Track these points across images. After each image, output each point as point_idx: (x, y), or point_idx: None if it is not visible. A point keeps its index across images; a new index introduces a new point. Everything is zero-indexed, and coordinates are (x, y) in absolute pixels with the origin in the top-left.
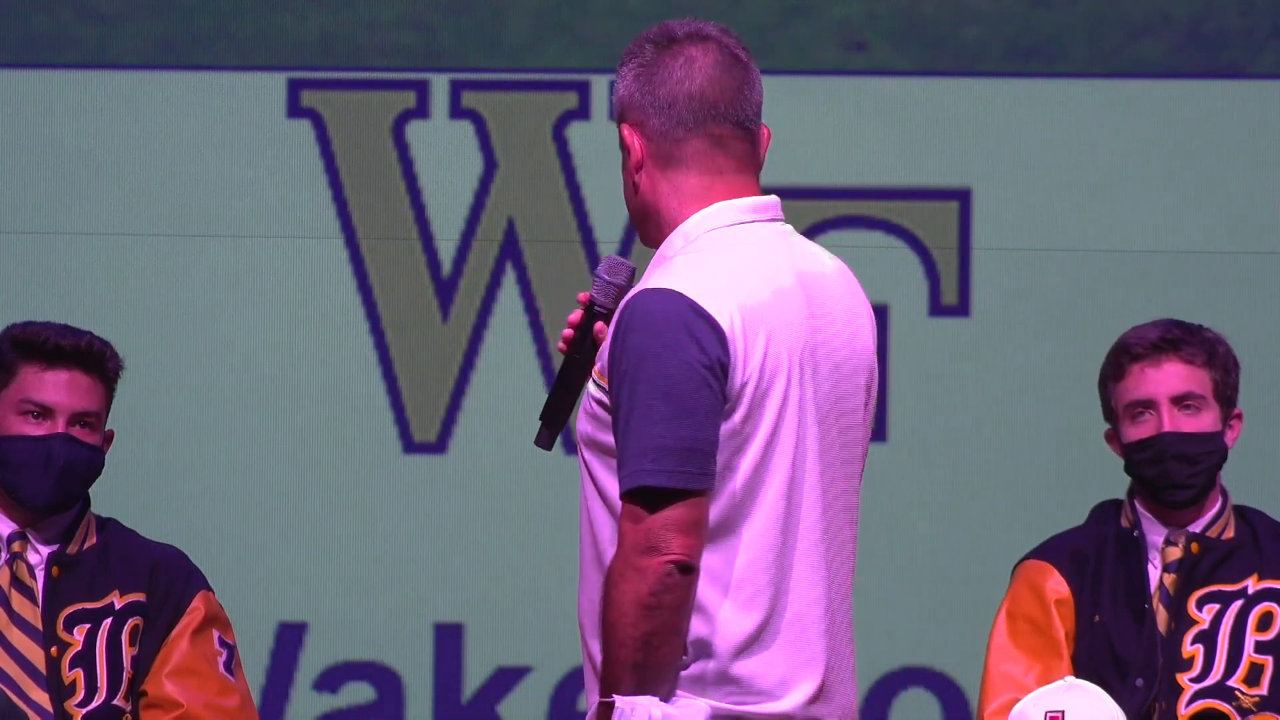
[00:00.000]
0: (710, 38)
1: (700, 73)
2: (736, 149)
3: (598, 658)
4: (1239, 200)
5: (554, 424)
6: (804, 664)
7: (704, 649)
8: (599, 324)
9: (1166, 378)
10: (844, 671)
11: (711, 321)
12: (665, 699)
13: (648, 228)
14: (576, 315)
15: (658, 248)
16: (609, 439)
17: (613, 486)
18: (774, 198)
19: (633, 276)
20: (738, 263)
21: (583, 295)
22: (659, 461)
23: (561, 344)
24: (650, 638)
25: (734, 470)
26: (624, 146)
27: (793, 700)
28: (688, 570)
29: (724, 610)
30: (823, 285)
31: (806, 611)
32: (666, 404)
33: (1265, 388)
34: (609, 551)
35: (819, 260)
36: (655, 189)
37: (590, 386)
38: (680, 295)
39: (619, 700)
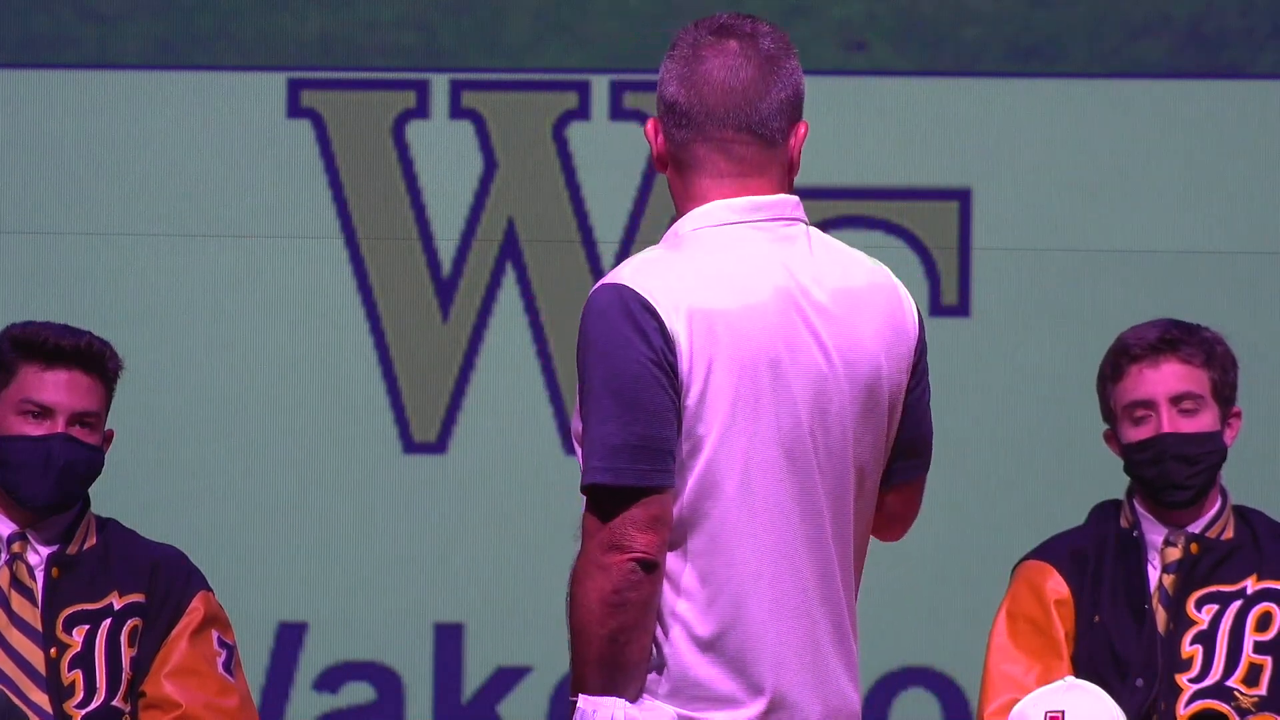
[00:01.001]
0: (735, 35)
1: (706, 77)
2: (741, 153)
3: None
4: (1239, 200)
5: None
6: (761, 675)
7: (660, 652)
8: None
9: (1165, 378)
10: (823, 683)
11: (656, 316)
12: (633, 699)
13: None
14: None
15: None
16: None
17: None
18: (784, 197)
19: None
20: (709, 264)
21: None
22: (608, 459)
23: None
24: (616, 635)
25: (689, 470)
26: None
27: (751, 710)
28: (651, 567)
29: (680, 613)
30: (836, 296)
31: (770, 621)
32: (614, 401)
33: (1265, 388)
34: None
35: (842, 270)
36: (673, 188)
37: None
38: (626, 288)
39: (583, 700)
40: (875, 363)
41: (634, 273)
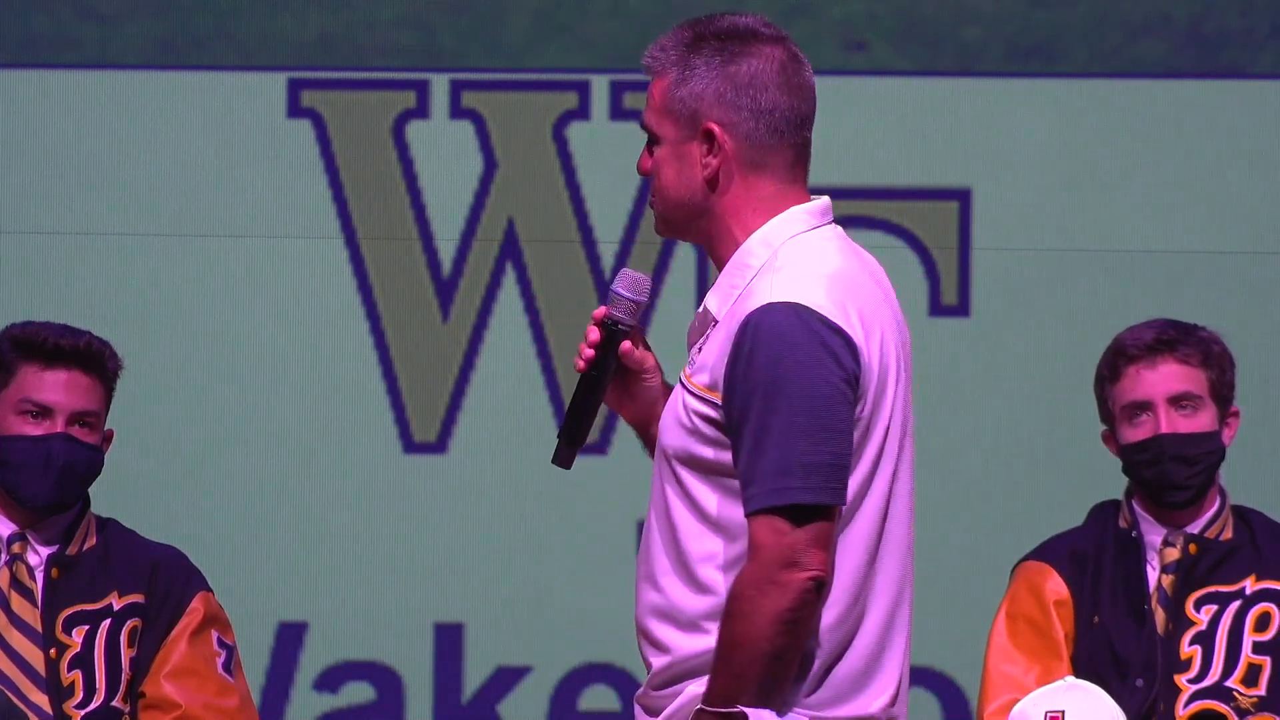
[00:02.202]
0: (780, 38)
1: (792, 79)
2: (808, 156)
3: (674, 656)
4: (1239, 200)
5: (575, 442)
6: (890, 674)
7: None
8: (626, 343)
9: (1163, 378)
10: (907, 678)
11: (845, 336)
12: (780, 713)
13: (694, 224)
14: (596, 334)
15: (694, 242)
16: (711, 454)
17: (711, 501)
18: (828, 199)
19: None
20: (838, 270)
21: (599, 312)
22: (808, 478)
23: (582, 363)
24: (783, 653)
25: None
26: (697, 140)
27: (875, 704)
28: (823, 586)
29: (819, 621)
30: (886, 283)
31: (888, 621)
32: (810, 421)
33: (1265, 388)
34: (698, 565)
35: (873, 258)
36: (728, 189)
37: (691, 401)
38: (811, 309)
39: (751, 713)
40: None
41: (802, 289)
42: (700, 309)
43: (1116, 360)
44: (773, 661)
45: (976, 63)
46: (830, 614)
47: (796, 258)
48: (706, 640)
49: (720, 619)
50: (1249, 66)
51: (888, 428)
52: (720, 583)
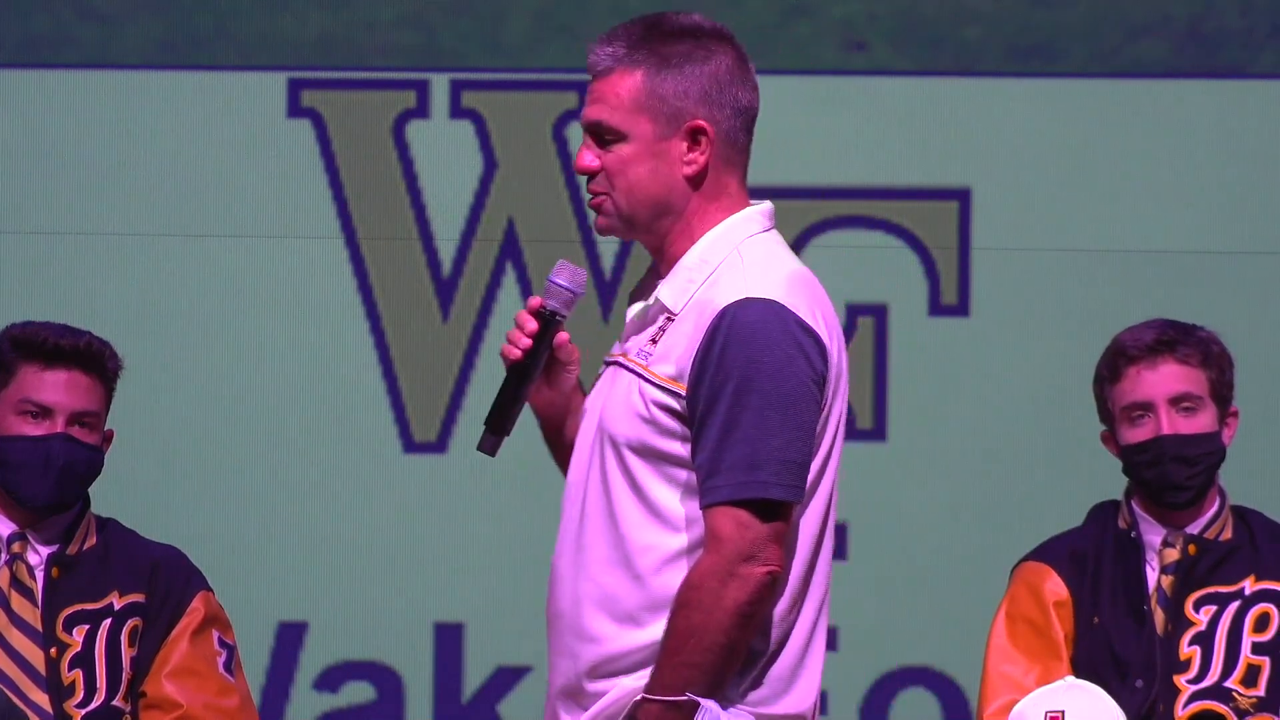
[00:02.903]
0: (732, 35)
1: (751, 76)
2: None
3: (608, 649)
4: (1239, 200)
5: (502, 430)
6: (815, 670)
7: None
8: (563, 334)
9: (1163, 379)
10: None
11: (816, 337)
12: (723, 707)
13: (657, 222)
14: (534, 324)
15: (645, 240)
16: (669, 446)
17: (659, 492)
18: (771, 204)
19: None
20: (800, 272)
21: (535, 302)
22: (780, 474)
23: (518, 352)
24: (737, 645)
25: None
26: (678, 137)
27: (806, 701)
28: (777, 582)
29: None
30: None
31: (816, 618)
32: (782, 417)
33: (1265, 388)
34: (639, 556)
35: None
36: (704, 187)
37: (651, 390)
38: (785, 308)
39: (704, 702)
40: None
41: (774, 288)
42: (645, 301)
43: (1116, 361)
44: (726, 653)
45: (976, 63)
46: (777, 610)
47: (759, 257)
48: (641, 634)
49: (672, 609)
50: (1249, 66)
51: (836, 429)
52: (657, 574)
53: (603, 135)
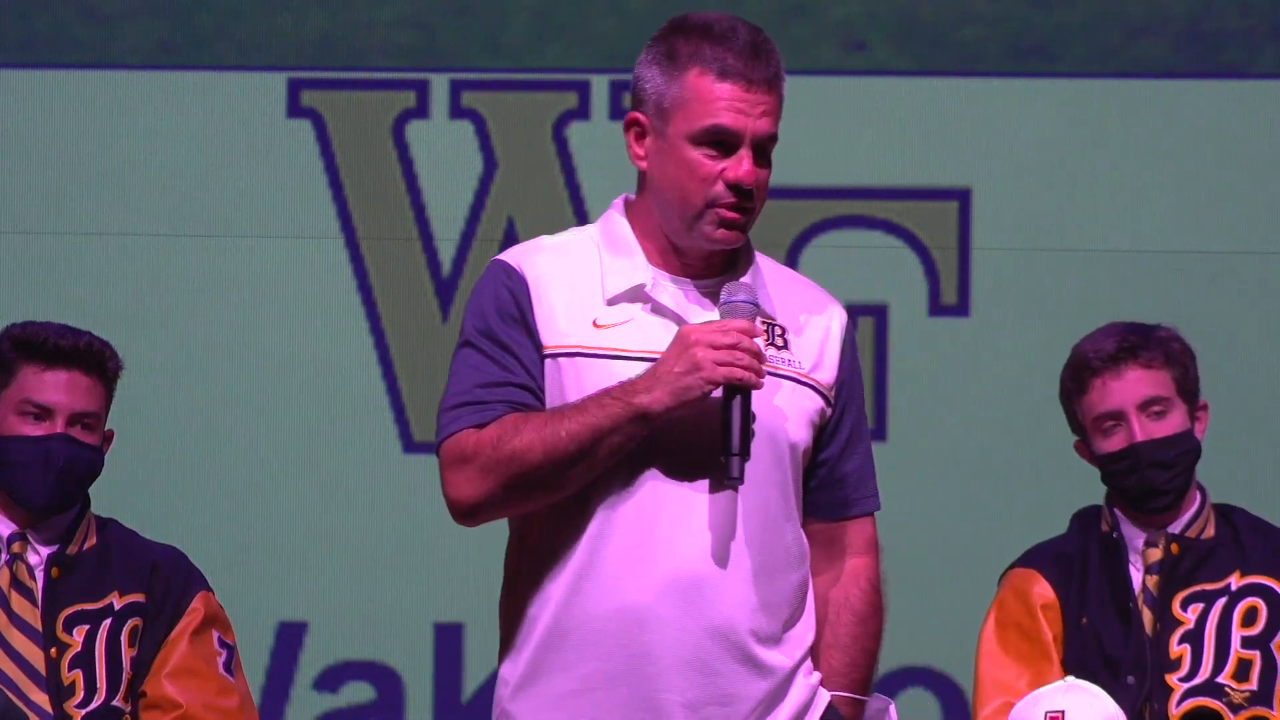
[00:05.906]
0: None
1: None
2: None
3: (804, 647)
4: (1239, 200)
5: (747, 453)
6: None
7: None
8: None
9: (1129, 386)
10: None
11: None
12: None
13: None
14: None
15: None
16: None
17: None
18: None
19: None
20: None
21: (756, 329)
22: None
23: (761, 379)
24: None
25: None
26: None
27: None
28: None
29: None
30: None
31: None
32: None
33: (1264, 388)
34: (804, 563)
35: None
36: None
37: (818, 400)
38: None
39: (891, 703)
40: None
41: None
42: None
43: (1081, 373)
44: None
45: (976, 63)
46: None
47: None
48: (802, 643)
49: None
50: (1249, 66)
51: None
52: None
53: (766, 152)
